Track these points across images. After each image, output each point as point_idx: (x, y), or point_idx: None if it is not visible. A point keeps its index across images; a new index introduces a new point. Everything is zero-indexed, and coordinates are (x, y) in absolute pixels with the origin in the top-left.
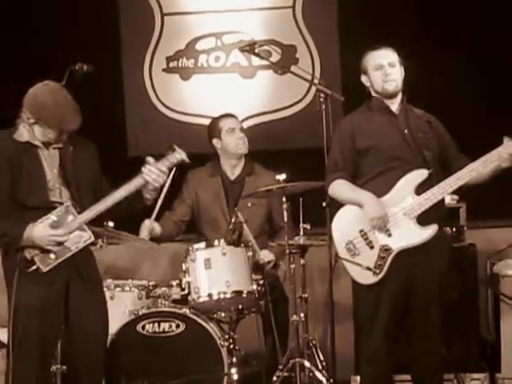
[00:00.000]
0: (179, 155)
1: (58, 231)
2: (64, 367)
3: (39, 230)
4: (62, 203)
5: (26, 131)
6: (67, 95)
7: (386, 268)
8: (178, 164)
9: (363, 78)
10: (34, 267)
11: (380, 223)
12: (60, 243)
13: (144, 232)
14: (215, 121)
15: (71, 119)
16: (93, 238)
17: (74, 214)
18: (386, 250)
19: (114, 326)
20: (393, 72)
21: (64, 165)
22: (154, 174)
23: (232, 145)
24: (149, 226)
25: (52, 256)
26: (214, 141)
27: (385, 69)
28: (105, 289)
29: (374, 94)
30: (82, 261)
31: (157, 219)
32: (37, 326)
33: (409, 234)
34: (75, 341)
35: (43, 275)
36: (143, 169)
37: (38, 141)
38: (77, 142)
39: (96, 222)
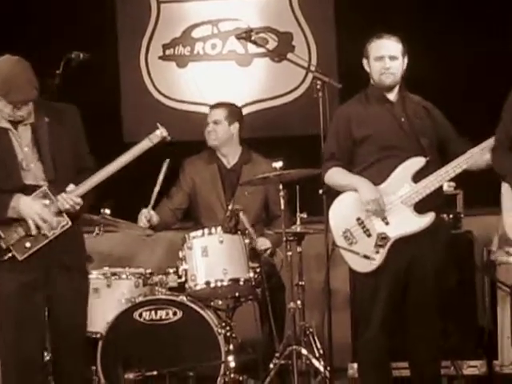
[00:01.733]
0: (160, 133)
1: (46, 208)
2: None
3: (27, 200)
4: (37, 186)
5: None
6: (23, 68)
7: (383, 256)
8: (160, 142)
9: (364, 62)
10: (10, 255)
11: (375, 206)
12: (44, 220)
13: (142, 221)
14: None
15: (19, 90)
16: (70, 224)
17: (51, 199)
18: (383, 238)
19: (110, 313)
20: (392, 65)
21: (37, 140)
22: (68, 203)
23: (206, 137)
24: (146, 215)
25: (28, 244)
26: None
27: (385, 61)
28: (101, 276)
29: (372, 80)
30: (64, 247)
31: (154, 208)
32: (14, 315)
33: (406, 222)
34: (54, 329)
35: (22, 263)
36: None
37: (5, 122)
38: (54, 110)
39: (92, 210)
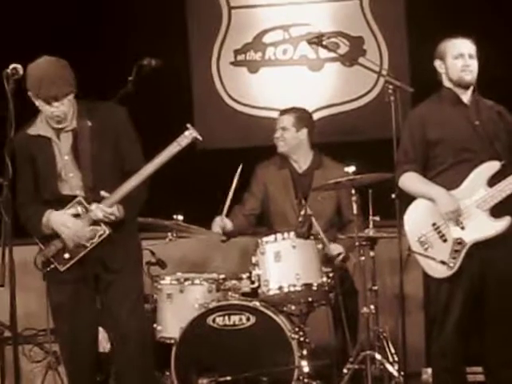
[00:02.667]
0: (189, 134)
1: (77, 222)
2: None
3: (57, 216)
4: (74, 196)
5: (39, 122)
6: (57, 66)
7: (459, 261)
8: (191, 143)
9: (437, 64)
10: (52, 266)
11: (454, 217)
12: (77, 233)
13: (216, 228)
14: None
15: (50, 85)
16: (107, 232)
17: (86, 208)
18: (459, 243)
19: (184, 319)
20: (472, 63)
21: (77, 148)
22: (101, 213)
23: (275, 143)
24: (220, 223)
25: (67, 255)
26: None
27: (465, 58)
28: (174, 282)
29: (445, 82)
30: (108, 254)
31: (227, 215)
32: (69, 325)
33: (482, 227)
34: (110, 337)
35: (68, 273)
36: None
37: (49, 129)
38: (98, 112)
39: (165, 216)
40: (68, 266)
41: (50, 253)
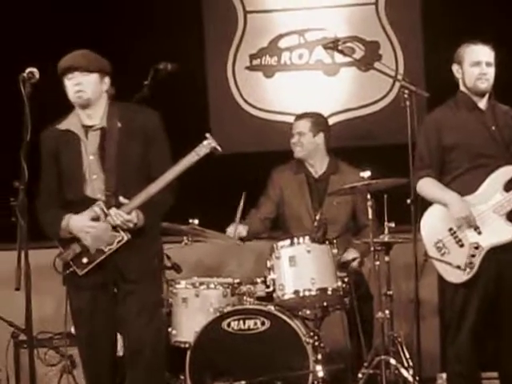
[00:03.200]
0: (208, 144)
1: (97, 224)
2: None
3: (79, 220)
4: (95, 199)
5: (71, 117)
6: (85, 50)
7: (476, 266)
8: (209, 152)
9: (454, 68)
10: (71, 269)
11: (465, 223)
12: (97, 238)
13: (231, 234)
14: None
15: (69, 57)
16: (126, 238)
17: (106, 213)
18: (475, 248)
19: (199, 323)
20: (489, 72)
21: (103, 147)
22: (118, 219)
23: (292, 148)
24: (233, 231)
25: (85, 260)
26: None
27: (482, 67)
28: (189, 286)
29: (462, 87)
30: (125, 263)
31: (242, 217)
32: (88, 331)
33: (499, 232)
34: (127, 345)
35: (87, 278)
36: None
37: (79, 126)
38: (130, 114)
39: (181, 220)
40: (86, 270)
41: (69, 256)
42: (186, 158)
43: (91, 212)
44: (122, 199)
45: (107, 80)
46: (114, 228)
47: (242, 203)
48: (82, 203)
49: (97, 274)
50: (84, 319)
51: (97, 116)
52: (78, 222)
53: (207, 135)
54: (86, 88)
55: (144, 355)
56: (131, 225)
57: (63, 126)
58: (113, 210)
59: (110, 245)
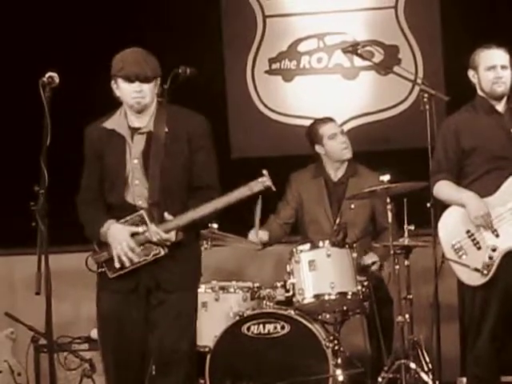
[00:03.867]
0: (263, 182)
1: (132, 241)
2: None
3: (115, 230)
4: (135, 206)
5: (117, 116)
6: (143, 52)
7: (494, 269)
8: (263, 191)
9: (470, 73)
10: (103, 269)
11: (483, 221)
12: (127, 255)
13: (252, 238)
14: (315, 127)
15: (133, 64)
16: (163, 253)
17: (146, 224)
18: (493, 250)
19: (218, 327)
20: (504, 75)
21: (148, 152)
22: (156, 237)
23: (336, 151)
24: (255, 236)
25: (117, 265)
26: (317, 147)
27: (497, 70)
28: (209, 290)
29: (479, 91)
30: (162, 272)
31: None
32: (113, 335)
33: None
34: (153, 353)
35: (119, 282)
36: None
37: (125, 127)
38: (178, 119)
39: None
40: (116, 275)
41: (102, 258)
42: (238, 191)
43: (133, 227)
44: (166, 215)
45: (158, 82)
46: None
47: (258, 208)
48: (122, 208)
49: (130, 279)
50: (112, 322)
51: (145, 119)
52: (117, 235)
53: (264, 172)
54: (146, 95)
55: (181, 364)
56: (168, 243)
57: (109, 124)
58: (152, 227)
59: (146, 256)
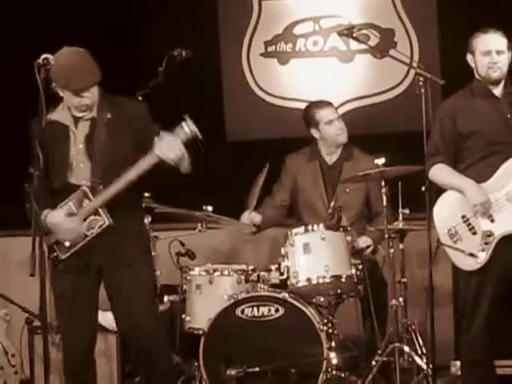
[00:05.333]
0: (188, 128)
1: (72, 220)
2: None
3: (54, 217)
4: (79, 186)
5: (61, 109)
6: (80, 57)
7: (488, 254)
8: (190, 138)
9: (468, 57)
10: (55, 254)
11: (483, 209)
12: (74, 233)
13: (245, 220)
14: (311, 111)
15: (79, 78)
16: (107, 223)
17: (90, 199)
18: (488, 235)
19: (212, 310)
20: (500, 60)
21: (92, 137)
22: (164, 148)
23: (332, 136)
24: (248, 218)
25: (67, 244)
26: (313, 131)
27: (492, 55)
28: (203, 273)
29: (476, 75)
30: (108, 246)
31: (257, 206)
32: (66, 314)
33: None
34: (121, 324)
35: (71, 263)
36: (155, 144)
37: (69, 117)
38: (119, 106)
39: (195, 207)
40: (68, 254)
41: (51, 240)
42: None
43: (66, 205)
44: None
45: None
46: (96, 212)
47: (262, 178)
48: (66, 190)
49: (80, 258)
50: (65, 302)
51: (93, 107)
52: (53, 219)
53: (185, 117)
54: (92, 99)
55: (152, 345)
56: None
57: (54, 116)
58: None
59: (92, 228)
